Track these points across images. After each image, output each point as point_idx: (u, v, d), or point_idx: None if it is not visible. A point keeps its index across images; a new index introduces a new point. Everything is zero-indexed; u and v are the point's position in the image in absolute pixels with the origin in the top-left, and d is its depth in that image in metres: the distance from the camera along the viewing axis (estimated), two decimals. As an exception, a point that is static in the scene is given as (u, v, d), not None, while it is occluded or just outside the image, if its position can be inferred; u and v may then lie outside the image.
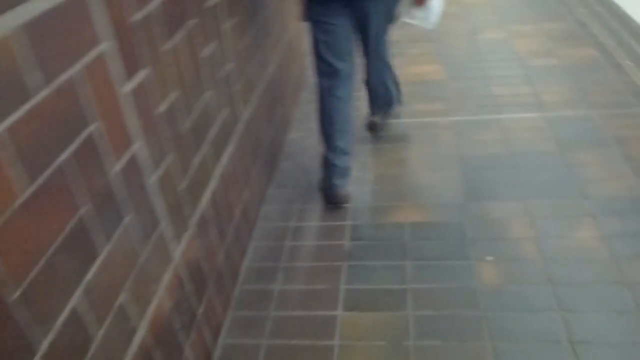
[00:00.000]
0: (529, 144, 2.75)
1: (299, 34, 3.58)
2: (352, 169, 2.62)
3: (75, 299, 1.17)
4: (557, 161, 2.59)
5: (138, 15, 1.40)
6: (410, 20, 2.75)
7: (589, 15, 4.16)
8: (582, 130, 2.81)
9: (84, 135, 1.20)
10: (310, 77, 3.81)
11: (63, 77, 1.11)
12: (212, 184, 1.99)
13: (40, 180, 1.04)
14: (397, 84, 3.01)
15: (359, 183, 2.68)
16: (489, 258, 2.11)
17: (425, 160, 2.77)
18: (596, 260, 2.02)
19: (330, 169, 2.54)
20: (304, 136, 3.15)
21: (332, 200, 2.56)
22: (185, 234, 1.75)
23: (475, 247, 2.18)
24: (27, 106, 1.00)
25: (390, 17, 2.59)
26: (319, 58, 2.51)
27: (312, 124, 3.23)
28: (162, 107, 1.57)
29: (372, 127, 3.03)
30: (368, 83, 2.89)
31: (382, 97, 2.94)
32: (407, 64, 3.80)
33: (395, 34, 3.08)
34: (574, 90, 3.18)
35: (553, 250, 2.10)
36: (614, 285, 1.91)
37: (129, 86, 1.37)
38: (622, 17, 3.93)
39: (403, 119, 3.16)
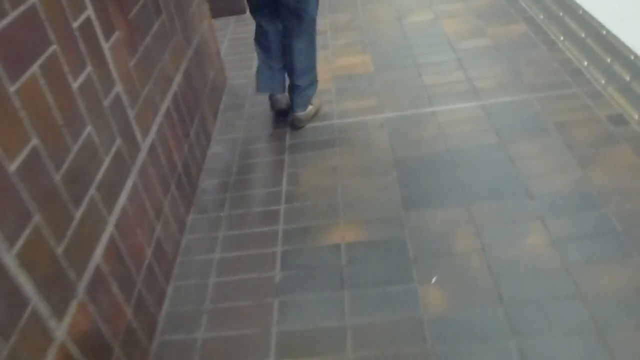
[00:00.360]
0: (467, 139, 2.56)
1: (212, 34, 3.26)
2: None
3: None
4: (499, 156, 2.40)
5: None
6: None
7: (517, -12, 4.01)
8: (521, 117, 2.63)
9: None
10: (231, 78, 3.52)
11: None
12: (107, 233, 1.69)
13: None
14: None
15: (288, 200, 2.42)
16: (434, 280, 1.90)
17: (359, 166, 2.54)
18: (548, 271, 1.84)
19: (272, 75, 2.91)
20: (226, 149, 2.86)
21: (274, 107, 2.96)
22: (71, 304, 1.45)
23: (418, 266, 1.97)
24: None
25: None
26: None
27: (234, 134, 2.96)
28: (14, 164, 1.26)
29: (295, 124, 2.92)
30: (292, 52, 2.79)
31: (305, 72, 2.85)
32: (333, 55, 3.55)
33: (319, 23, 2.88)
34: (508, 73, 3.00)
35: (502, 263, 1.91)
36: (568, 300, 1.73)
37: (-49, 152, 1.06)
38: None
39: (332, 120, 2.91)
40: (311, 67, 2.88)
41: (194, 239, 2.33)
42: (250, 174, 2.65)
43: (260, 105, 3.17)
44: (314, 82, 2.93)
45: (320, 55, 3.51)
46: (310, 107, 2.91)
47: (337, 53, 3.57)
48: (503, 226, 2.05)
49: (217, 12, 4.52)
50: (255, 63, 3.66)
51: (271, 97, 3.00)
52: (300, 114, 2.88)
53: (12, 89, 1.28)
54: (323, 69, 3.39)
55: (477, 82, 2.96)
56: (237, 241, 2.27)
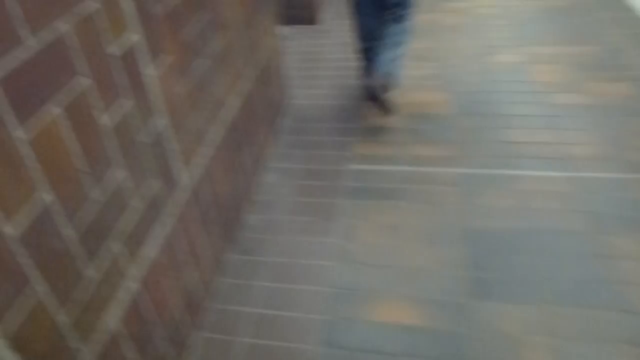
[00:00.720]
0: (552, 218, 2.21)
1: (280, 49, 3.01)
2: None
3: None
4: (587, 248, 2.06)
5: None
6: None
7: (623, 38, 3.59)
8: (619, 202, 2.26)
9: None
10: (295, 98, 3.27)
11: None
12: (128, 289, 1.46)
13: None
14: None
15: (339, 256, 2.16)
16: (498, 400, 1.60)
17: (424, 229, 2.24)
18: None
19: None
20: (279, 180, 2.61)
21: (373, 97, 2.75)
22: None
23: (479, 375, 1.67)
24: None
25: None
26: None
27: (291, 163, 2.71)
28: (11, 226, 1.03)
29: (373, 98, 2.78)
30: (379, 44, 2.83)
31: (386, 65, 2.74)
32: (408, 88, 3.25)
33: None
34: (607, 143, 2.63)
35: (584, 394, 1.59)
36: None
37: None
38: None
39: (400, 165, 2.62)
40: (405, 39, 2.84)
41: (230, 285, 2.10)
42: (302, 215, 2.40)
43: (323, 133, 2.92)
44: (401, 55, 2.83)
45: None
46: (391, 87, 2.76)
47: (413, 86, 3.27)
48: (587, 344, 1.72)
49: (289, 20, 4.29)
50: (323, 82, 3.42)
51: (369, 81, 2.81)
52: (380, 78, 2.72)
53: (18, 134, 1.06)
54: (396, 103, 3.10)
55: (570, 148, 2.61)
56: (276, 296, 2.02)
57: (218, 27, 2.07)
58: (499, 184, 2.43)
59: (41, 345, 1.13)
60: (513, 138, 2.72)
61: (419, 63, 3.51)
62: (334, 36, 4.08)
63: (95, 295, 1.31)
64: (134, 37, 1.47)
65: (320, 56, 3.79)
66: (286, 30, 4.26)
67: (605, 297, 1.86)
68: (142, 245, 1.53)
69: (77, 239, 1.23)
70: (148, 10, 1.53)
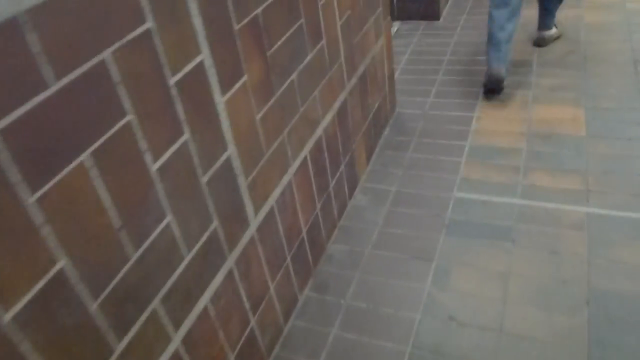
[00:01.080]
0: None
1: (388, 53, 2.70)
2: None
3: None
4: None
5: None
6: None
7: None
8: None
9: None
10: (401, 105, 2.95)
11: None
12: (168, 353, 1.27)
13: None
14: None
15: (429, 307, 1.84)
16: None
17: (537, 284, 1.85)
18: None
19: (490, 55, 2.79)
20: (371, 204, 2.33)
21: (490, 84, 2.79)
22: None
23: None
24: None
25: None
26: None
27: (386, 184, 2.43)
28: (11, 312, 0.86)
29: (540, 43, 3.26)
30: None
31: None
32: (533, 100, 2.79)
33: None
34: None
35: None
36: None
37: None
38: None
39: (513, 197, 2.22)
40: None
41: (301, 329, 1.86)
42: (390, 249, 2.10)
43: (427, 150, 2.58)
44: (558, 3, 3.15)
45: (517, 96, 2.82)
46: (553, 30, 3.25)
47: (540, 98, 2.80)
48: None
49: (405, 15, 3.95)
50: (433, 88, 3.06)
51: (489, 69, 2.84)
52: (545, 33, 3.22)
53: (31, 199, 0.87)
54: (516, 118, 2.68)
55: None
56: (348, 351, 1.75)
57: (315, 36, 1.82)
58: (640, 233, 1.96)
59: None
60: (663, 172, 2.21)
61: (551, 69, 3.02)
62: (455, 34, 3.67)
63: (120, 366, 1.13)
64: (205, 59, 1.26)
65: (434, 57, 3.42)
66: (397, 26, 3.92)
67: None
68: (190, 298, 1.33)
69: (103, 308, 1.04)
70: (221, 24, 1.31)
